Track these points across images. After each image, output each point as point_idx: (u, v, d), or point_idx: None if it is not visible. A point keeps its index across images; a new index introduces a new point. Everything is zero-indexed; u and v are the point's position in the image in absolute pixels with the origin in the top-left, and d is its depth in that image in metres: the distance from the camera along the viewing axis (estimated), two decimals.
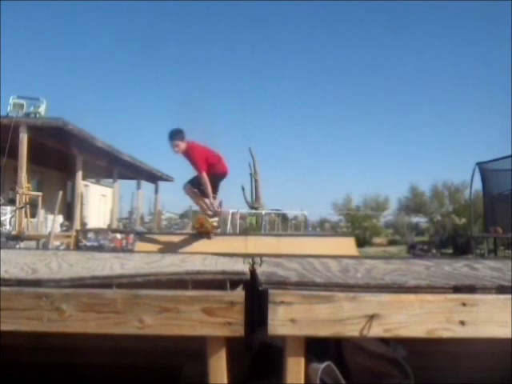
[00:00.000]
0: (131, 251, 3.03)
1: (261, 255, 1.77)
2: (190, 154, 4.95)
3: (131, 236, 10.95)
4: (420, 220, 29.72)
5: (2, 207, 11.41)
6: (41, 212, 12.40)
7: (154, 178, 22.52)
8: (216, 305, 1.16)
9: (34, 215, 12.12)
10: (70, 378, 1.72)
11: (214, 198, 4.98)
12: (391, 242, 27.35)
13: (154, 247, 3.01)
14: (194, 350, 1.25)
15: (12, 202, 12.22)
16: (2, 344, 1.28)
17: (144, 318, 1.16)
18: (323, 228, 30.80)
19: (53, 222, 10.14)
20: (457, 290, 1.21)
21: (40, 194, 11.75)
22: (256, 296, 1.22)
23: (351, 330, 1.17)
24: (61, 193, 9.79)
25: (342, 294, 1.18)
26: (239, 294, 1.19)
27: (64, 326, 1.17)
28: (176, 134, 5.07)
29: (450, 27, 48.80)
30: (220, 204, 5.03)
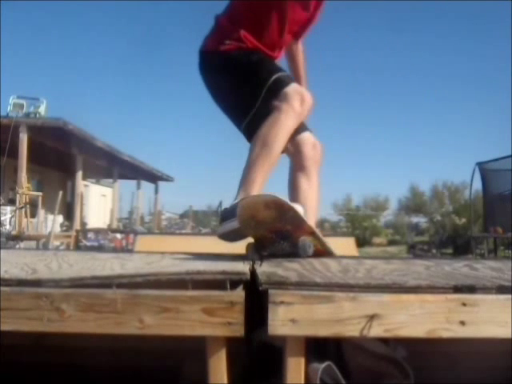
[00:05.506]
0: (131, 251, 3.03)
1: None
2: None
3: (131, 236, 10.95)
4: (420, 220, 29.77)
5: (2, 207, 11.42)
6: (41, 212, 12.40)
7: (153, 177, 22.53)
8: (216, 305, 1.16)
9: (34, 215, 12.12)
10: (70, 378, 1.72)
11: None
12: (391, 242, 27.34)
13: (154, 247, 3.01)
14: (194, 350, 1.25)
15: (12, 201, 12.24)
16: (2, 344, 1.28)
17: (144, 318, 1.16)
18: (323, 228, 30.80)
19: (53, 222, 10.13)
20: (457, 290, 1.21)
21: (40, 193, 11.77)
22: (256, 296, 1.22)
23: (351, 330, 1.17)
24: (61, 193, 9.80)
25: (342, 294, 1.18)
26: (239, 294, 1.19)
27: (64, 326, 1.17)
28: None
29: (450, 27, 48.83)
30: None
